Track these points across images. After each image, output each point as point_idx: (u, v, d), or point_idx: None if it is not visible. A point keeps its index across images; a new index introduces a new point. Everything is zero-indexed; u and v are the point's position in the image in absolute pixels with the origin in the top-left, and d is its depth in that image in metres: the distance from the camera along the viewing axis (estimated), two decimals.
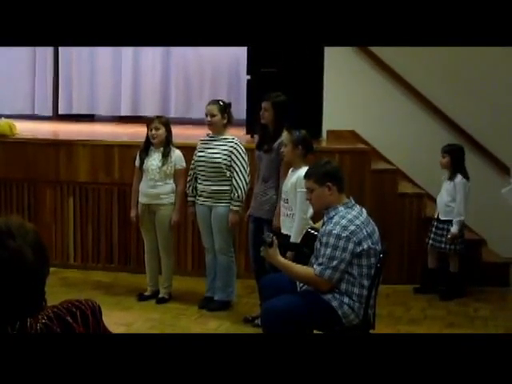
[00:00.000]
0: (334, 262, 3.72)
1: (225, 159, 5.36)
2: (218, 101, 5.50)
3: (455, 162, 6.02)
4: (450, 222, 5.98)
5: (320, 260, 3.77)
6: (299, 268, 3.88)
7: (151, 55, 9.11)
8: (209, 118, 5.41)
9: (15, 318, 1.82)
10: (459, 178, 5.98)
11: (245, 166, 5.38)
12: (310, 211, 4.70)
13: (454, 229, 5.94)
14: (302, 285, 3.95)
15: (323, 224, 3.93)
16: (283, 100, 5.22)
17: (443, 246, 6.02)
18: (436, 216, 6.10)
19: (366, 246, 3.76)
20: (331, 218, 3.84)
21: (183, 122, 8.47)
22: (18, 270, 1.80)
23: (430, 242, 6.09)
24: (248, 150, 5.46)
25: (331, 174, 3.90)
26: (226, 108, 5.43)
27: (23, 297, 1.82)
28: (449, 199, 6.01)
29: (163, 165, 5.52)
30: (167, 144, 5.56)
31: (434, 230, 6.08)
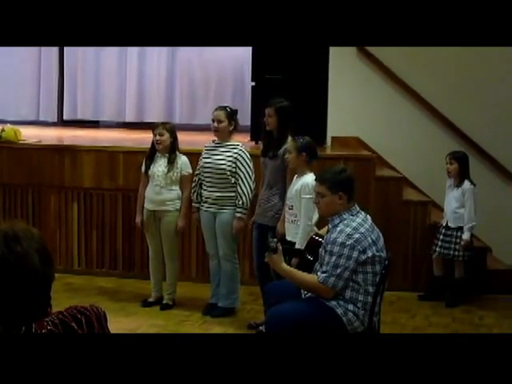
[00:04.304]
0: (338, 270, 3.71)
1: (230, 166, 5.36)
2: (226, 107, 5.51)
3: (463, 169, 6.02)
4: (458, 229, 5.97)
5: (324, 268, 3.76)
6: (303, 275, 3.87)
7: (156, 61, 9.14)
8: (215, 124, 5.41)
9: (20, 322, 1.82)
10: (467, 184, 5.98)
11: (250, 173, 5.38)
12: (315, 218, 4.69)
13: (466, 235, 5.92)
14: (306, 292, 3.94)
15: (328, 231, 3.92)
16: (287, 106, 5.21)
17: (452, 253, 5.99)
18: (444, 224, 6.08)
19: (370, 254, 3.75)
20: (336, 225, 3.82)
21: (188, 128, 8.48)
22: (24, 274, 1.81)
23: (437, 249, 6.05)
24: (253, 157, 5.46)
25: (345, 184, 3.87)
26: (232, 114, 5.43)
27: (29, 301, 1.82)
28: (456, 205, 5.99)
29: (169, 171, 5.52)
30: (173, 150, 5.56)
31: (441, 237, 6.05)
